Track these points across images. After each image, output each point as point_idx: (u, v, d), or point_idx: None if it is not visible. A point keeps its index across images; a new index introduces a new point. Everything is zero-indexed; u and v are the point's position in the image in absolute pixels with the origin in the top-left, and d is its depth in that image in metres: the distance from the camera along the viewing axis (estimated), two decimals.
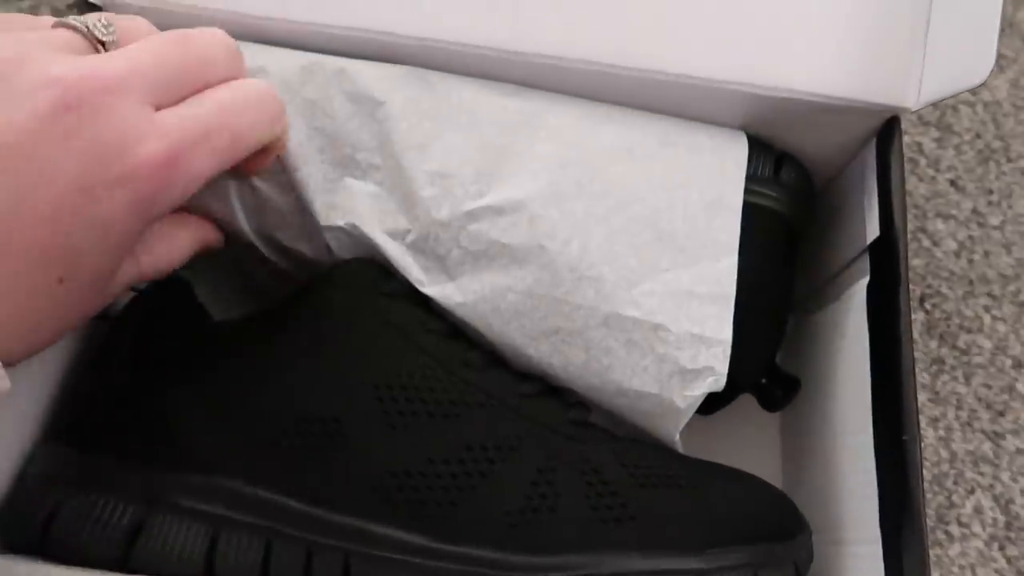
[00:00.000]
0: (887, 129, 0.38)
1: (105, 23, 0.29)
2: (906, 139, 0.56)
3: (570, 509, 0.33)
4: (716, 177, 0.38)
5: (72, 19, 0.29)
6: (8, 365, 0.25)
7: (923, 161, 0.55)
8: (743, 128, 0.40)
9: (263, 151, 0.32)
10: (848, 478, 0.38)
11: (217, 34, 0.31)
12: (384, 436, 0.33)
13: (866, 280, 0.38)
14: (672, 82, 0.37)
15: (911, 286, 0.52)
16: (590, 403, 0.38)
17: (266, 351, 0.34)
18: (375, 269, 0.37)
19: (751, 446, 0.47)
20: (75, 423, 0.34)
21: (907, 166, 0.55)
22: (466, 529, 0.33)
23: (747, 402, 0.44)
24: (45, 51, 0.26)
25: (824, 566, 0.37)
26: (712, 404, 0.44)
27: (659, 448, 0.37)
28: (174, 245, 0.33)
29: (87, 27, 0.28)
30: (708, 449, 0.41)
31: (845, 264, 0.41)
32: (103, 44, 0.28)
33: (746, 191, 0.39)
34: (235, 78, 0.31)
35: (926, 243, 0.53)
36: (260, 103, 0.31)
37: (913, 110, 0.36)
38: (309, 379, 0.33)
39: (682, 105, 0.39)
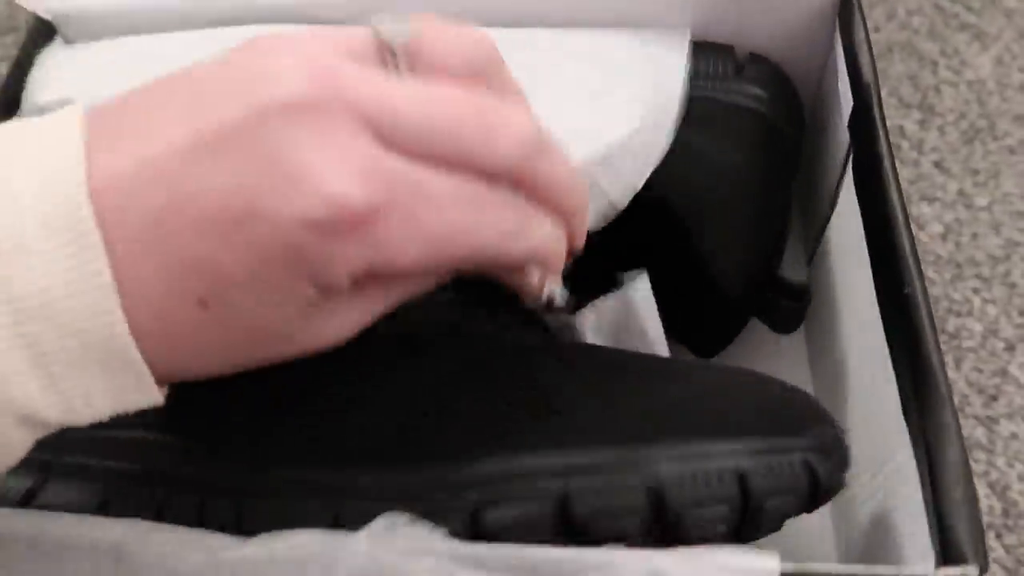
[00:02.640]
0: (845, 6, 0.37)
1: (401, 38, 0.24)
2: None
3: (478, 408, 0.27)
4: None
5: (374, 23, 0.24)
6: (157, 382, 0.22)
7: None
8: (699, 32, 0.39)
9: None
10: (874, 390, 0.32)
11: (525, 127, 0.24)
12: None
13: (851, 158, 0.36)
14: None
15: None
16: None
17: None
18: None
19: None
20: None
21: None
22: (352, 447, 0.27)
23: (767, 340, 0.40)
24: (320, 44, 0.23)
25: (871, 500, 0.31)
26: (711, 336, 0.39)
27: (621, 351, 0.31)
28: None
29: (378, 33, 0.24)
30: None
31: (840, 172, 0.39)
32: (393, 55, 0.24)
33: (710, 90, 0.38)
34: (517, 176, 0.24)
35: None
36: (518, 215, 0.24)
37: None
38: None
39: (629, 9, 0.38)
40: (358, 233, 0.22)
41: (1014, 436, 0.48)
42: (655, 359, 0.30)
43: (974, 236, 0.52)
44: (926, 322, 0.28)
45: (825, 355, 0.40)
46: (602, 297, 0.34)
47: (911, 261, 0.29)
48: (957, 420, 0.26)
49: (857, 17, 0.36)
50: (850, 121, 0.36)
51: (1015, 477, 0.47)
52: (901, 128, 0.55)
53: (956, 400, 0.48)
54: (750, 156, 0.37)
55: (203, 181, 0.21)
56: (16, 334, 0.20)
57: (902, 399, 0.28)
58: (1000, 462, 0.47)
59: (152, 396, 0.22)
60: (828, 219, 0.41)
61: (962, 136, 0.54)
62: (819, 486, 0.26)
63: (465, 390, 0.27)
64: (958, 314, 0.50)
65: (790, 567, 0.24)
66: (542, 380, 0.27)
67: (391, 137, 0.22)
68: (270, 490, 0.27)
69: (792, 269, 0.41)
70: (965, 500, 0.25)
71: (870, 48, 0.35)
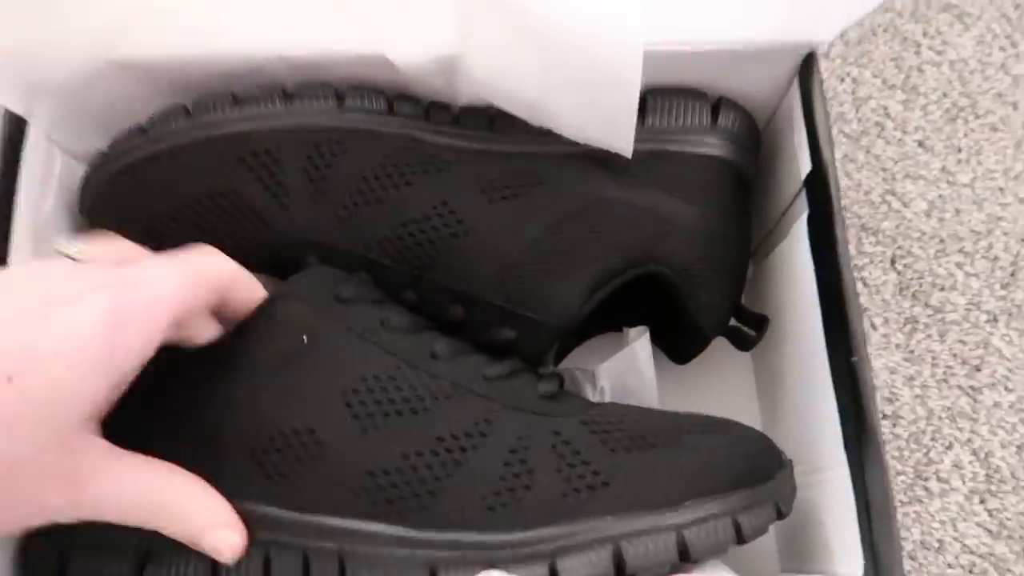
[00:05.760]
0: (806, 65, 0.39)
1: (79, 255, 0.32)
2: (872, 103, 0.56)
3: (544, 484, 0.34)
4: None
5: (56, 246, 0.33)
6: None
7: (890, 124, 0.56)
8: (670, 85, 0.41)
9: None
10: (813, 407, 0.39)
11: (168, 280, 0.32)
12: (358, 439, 0.34)
13: (807, 214, 0.39)
14: None
15: (881, 248, 0.53)
16: None
17: (233, 371, 0.35)
18: (330, 276, 0.37)
19: (728, 389, 0.48)
20: None
21: (874, 130, 0.55)
22: (447, 516, 0.34)
23: (719, 348, 0.45)
24: None
25: (802, 496, 0.38)
26: (686, 352, 0.45)
27: (631, 408, 0.38)
28: None
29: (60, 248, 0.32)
30: (686, 397, 0.42)
31: (788, 203, 0.42)
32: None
33: (688, 142, 0.40)
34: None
35: (896, 205, 0.54)
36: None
37: (828, 40, 0.38)
38: (279, 394, 0.34)
39: None
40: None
41: (997, 405, 0.49)
42: (659, 422, 0.37)
43: (957, 212, 0.53)
44: (871, 395, 0.35)
45: (770, 366, 0.46)
46: (614, 357, 0.41)
47: (857, 329, 0.36)
48: (889, 478, 0.35)
49: (816, 81, 0.39)
50: (808, 187, 0.40)
51: (998, 444, 0.49)
52: (885, 108, 0.56)
53: (940, 371, 0.50)
54: (723, 209, 0.41)
55: None
56: None
57: (845, 438, 0.36)
58: (984, 430, 0.49)
59: None
60: (774, 247, 0.44)
61: (945, 115, 0.56)
62: (782, 516, 0.36)
63: (530, 468, 0.35)
64: (942, 288, 0.52)
65: None
66: (587, 457, 0.35)
67: None
68: (367, 545, 0.34)
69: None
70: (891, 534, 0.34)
71: (828, 124, 0.39)
